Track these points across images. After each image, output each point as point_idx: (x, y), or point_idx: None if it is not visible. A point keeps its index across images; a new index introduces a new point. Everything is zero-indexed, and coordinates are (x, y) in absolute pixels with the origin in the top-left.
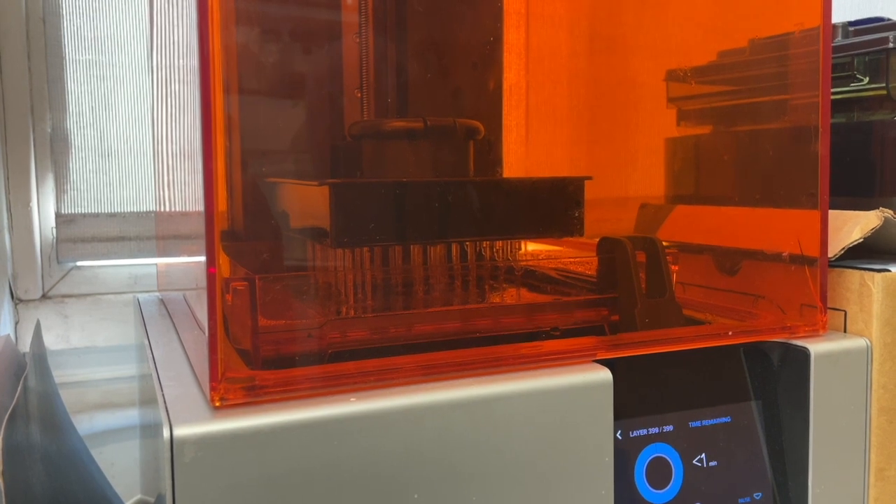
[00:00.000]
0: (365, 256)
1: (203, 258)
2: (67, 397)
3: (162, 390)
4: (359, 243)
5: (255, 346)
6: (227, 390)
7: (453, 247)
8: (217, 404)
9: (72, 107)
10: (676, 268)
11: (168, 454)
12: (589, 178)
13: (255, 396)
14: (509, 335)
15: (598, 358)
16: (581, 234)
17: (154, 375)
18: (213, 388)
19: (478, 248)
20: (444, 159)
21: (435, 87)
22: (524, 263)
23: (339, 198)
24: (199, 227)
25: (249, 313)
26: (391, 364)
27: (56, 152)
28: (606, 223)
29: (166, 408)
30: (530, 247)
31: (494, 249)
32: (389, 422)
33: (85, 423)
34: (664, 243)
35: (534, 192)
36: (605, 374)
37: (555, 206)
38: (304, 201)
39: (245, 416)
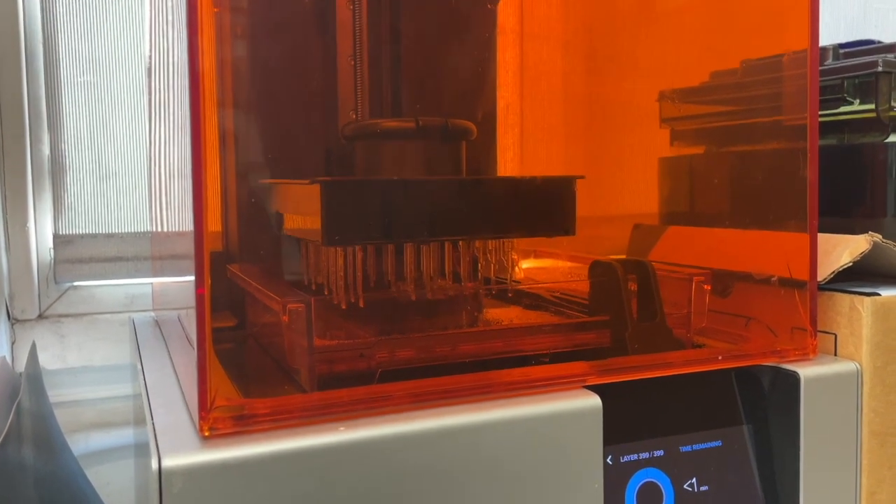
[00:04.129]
0: (358, 258)
1: (192, 278)
2: (63, 416)
3: (152, 418)
4: (350, 242)
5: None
6: (216, 420)
7: (446, 246)
8: (206, 434)
9: (69, 128)
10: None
11: (156, 485)
12: (581, 177)
13: (244, 426)
14: (499, 359)
15: (588, 384)
16: (573, 233)
17: (145, 402)
18: (202, 418)
19: (471, 249)
20: (436, 160)
21: (429, 108)
22: (516, 287)
23: (330, 196)
24: (191, 246)
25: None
26: (381, 392)
27: (53, 173)
28: (603, 241)
29: (155, 437)
30: (524, 264)
31: (487, 253)
32: (378, 451)
33: (81, 443)
34: (657, 264)
35: (525, 190)
36: (594, 401)
37: (547, 204)
38: (297, 202)
39: (234, 445)
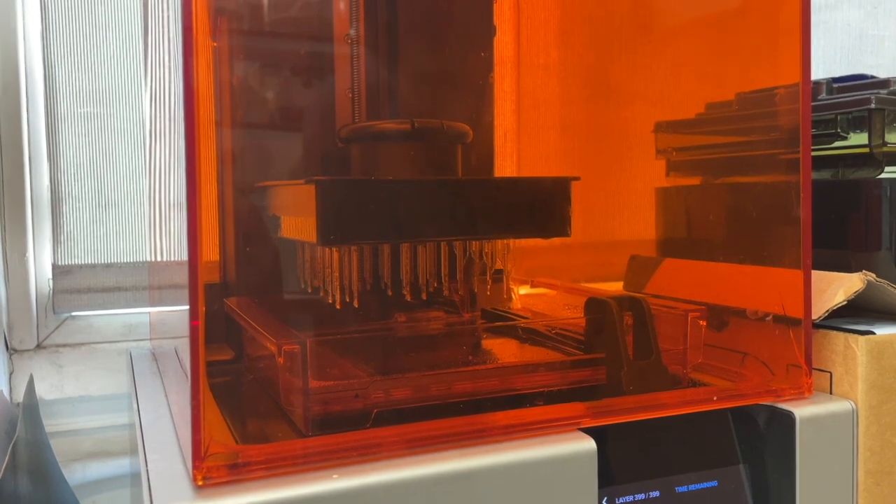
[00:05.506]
0: (353, 259)
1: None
2: (61, 446)
3: (146, 465)
4: (345, 241)
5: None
6: (209, 469)
7: (442, 250)
8: (200, 483)
9: (69, 159)
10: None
11: None
12: (577, 178)
13: (238, 474)
14: (495, 398)
15: (583, 426)
16: (568, 234)
17: (140, 446)
18: (195, 467)
19: (467, 252)
20: (432, 162)
21: None
22: (513, 324)
23: (325, 195)
24: (186, 276)
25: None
26: (375, 438)
27: (53, 204)
28: (600, 267)
29: (150, 486)
30: (522, 290)
31: (484, 258)
32: (372, 498)
33: (78, 472)
34: (653, 299)
35: (521, 191)
36: (588, 444)
37: (542, 205)
38: (293, 204)
39: (228, 495)
